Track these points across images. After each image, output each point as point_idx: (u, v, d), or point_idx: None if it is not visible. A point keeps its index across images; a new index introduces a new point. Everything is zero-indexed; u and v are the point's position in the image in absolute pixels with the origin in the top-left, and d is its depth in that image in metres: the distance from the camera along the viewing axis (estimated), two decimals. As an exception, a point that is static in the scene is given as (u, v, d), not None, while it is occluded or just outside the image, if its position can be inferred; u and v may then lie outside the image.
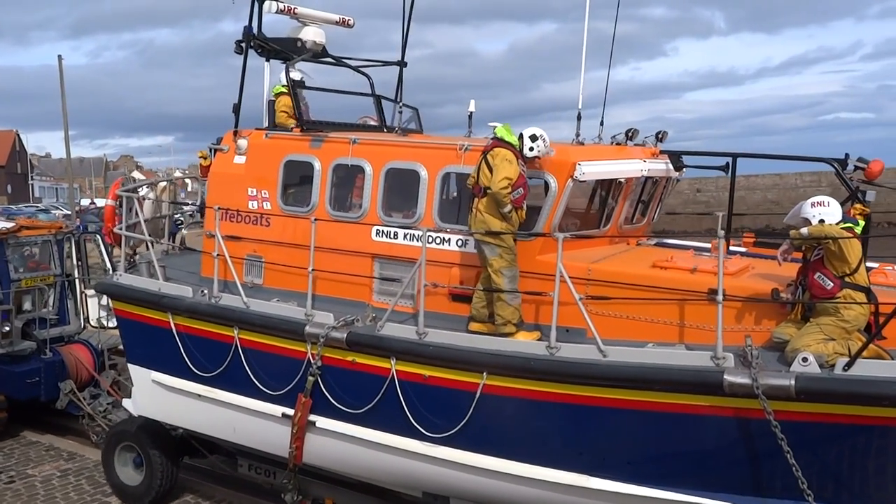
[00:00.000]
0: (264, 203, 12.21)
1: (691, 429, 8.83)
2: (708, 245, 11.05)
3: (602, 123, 11.92)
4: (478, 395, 9.62)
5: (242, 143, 12.46)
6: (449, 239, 10.74)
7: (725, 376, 8.30)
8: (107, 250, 18.80)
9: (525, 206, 9.94)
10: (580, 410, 9.24)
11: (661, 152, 11.23)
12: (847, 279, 8.33)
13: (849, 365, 8.00)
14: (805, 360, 8.15)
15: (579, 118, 10.91)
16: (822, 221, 8.48)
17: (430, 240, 10.64)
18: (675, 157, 11.09)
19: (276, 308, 11.31)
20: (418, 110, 14.19)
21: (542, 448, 9.61)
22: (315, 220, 10.93)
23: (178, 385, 12.36)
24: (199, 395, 12.12)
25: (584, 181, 10.13)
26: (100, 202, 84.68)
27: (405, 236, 11.05)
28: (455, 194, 11.18)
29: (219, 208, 11.88)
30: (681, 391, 8.67)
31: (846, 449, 8.34)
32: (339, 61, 13.69)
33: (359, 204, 11.52)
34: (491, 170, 9.80)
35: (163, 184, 14.66)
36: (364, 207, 11.36)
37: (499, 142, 9.98)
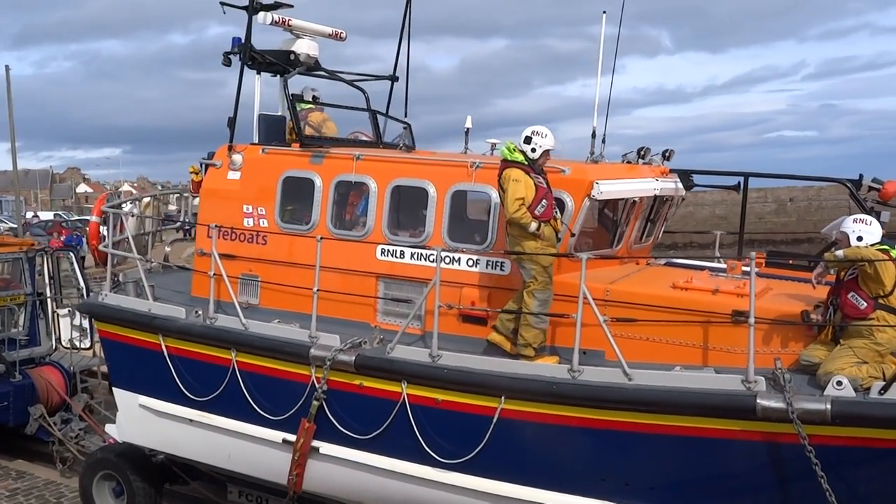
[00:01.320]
0: (261, 220, 11.81)
1: (719, 453, 8.65)
2: (717, 265, 10.93)
3: (604, 141, 11.71)
4: (495, 420, 9.34)
5: (237, 158, 12.06)
6: (459, 259, 10.47)
7: (758, 400, 8.14)
8: (80, 268, 18.10)
9: (558, 216, 9.67)
10: (604, 435, 9.01)
11: (670, 171, 11.13)
12: (881, 301, 8.25)
13: (885, 388, 7.91)
14: (840, 383, 8.03)
15: (594, 136, 10.74)
16: (860, 238, 8.41)
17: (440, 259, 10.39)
18: (685, 176, 10.98)
19: (278, 330, 10.91)
20: (411, 126, 13.94)
21: (561, 474, 9.34)
22: (321, 238, 10.56)
23: (168, 410, 11.85)
24: (191, 420, 11.64)
25: (601, 200, 9.96)
26: (44, 215, 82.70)
27: (413, 255, 10.75)
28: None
29: (216, 226, 11.44)
30: (710, 415, 8.49)
31: (882, 474, 8.22)
32: (332, 75, 13.37)
33: (361, 222, 11.21)
34: (504, 194, 9.58)
35: (147, 199, 14.16)
36: (368, 225, 11.04)
37: (506, 163, 9.73)
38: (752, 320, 8.32)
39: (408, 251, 10.78)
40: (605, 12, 10.76)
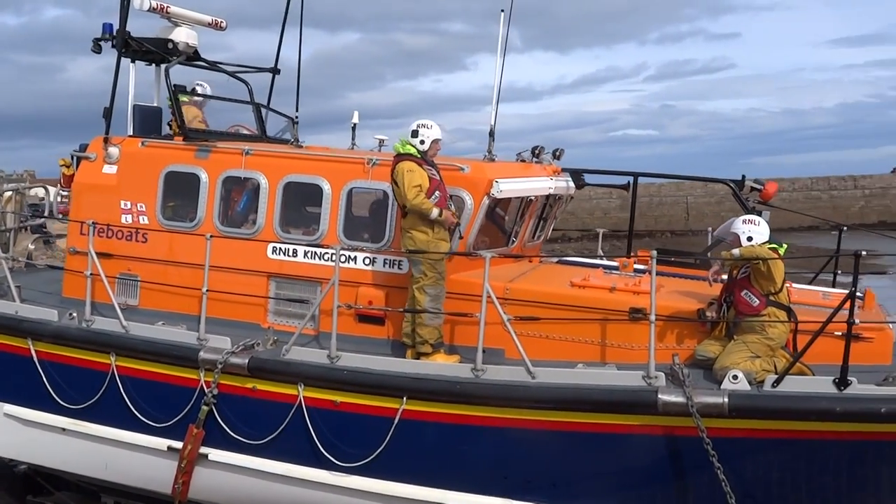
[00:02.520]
0: (140, 217, 11.21)
1: (620, 448, 8.83)
2: (609, 262, 11.16)
3: (493, 135, 11.51)
4: (396, 421, 9.20)
5: (114, 151, 11.40)
6: (356, 257, 10.25)
7: (659, 395, 8.35)
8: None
9: (452, 209, 9.61)
10: (506, 433, 9.03)
11: (562, 170, 11.27)
12: (772, 298, 8.60)
13: (778, 382, 8.26)
14: (735, 377, 8.34)
15: (491, 134, 10.71)
16: (750, 238, 8.72)
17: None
18: (577, 176, 11.15)
19: (163, 332, 10.38)
20: (294, 120, 13.58)
21: (463, 473, 9.29)
22: (210, 236, 10.11)
23: (37, 419, 11.09)
24: (64, 429, 10.93)
25: (500, 198, 9.97)
26: None
27: (306, 254, 10.45)
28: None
29: (93, 223, 10.76)
30: (612, 411, 8.65)
31: (775, 463, 8.59)
32: (213, 65, 12.84)
33: (251, 219, 10.81)
34: (399, 186, 9.47)
35: (8, 193, 13.19)
36: (259, 223, 10.65)
37: (399, 156, 9.64)
38: (653, 317, 8.54)
39: (301, 250, 10.47)
40: (502, 10, 10.76)
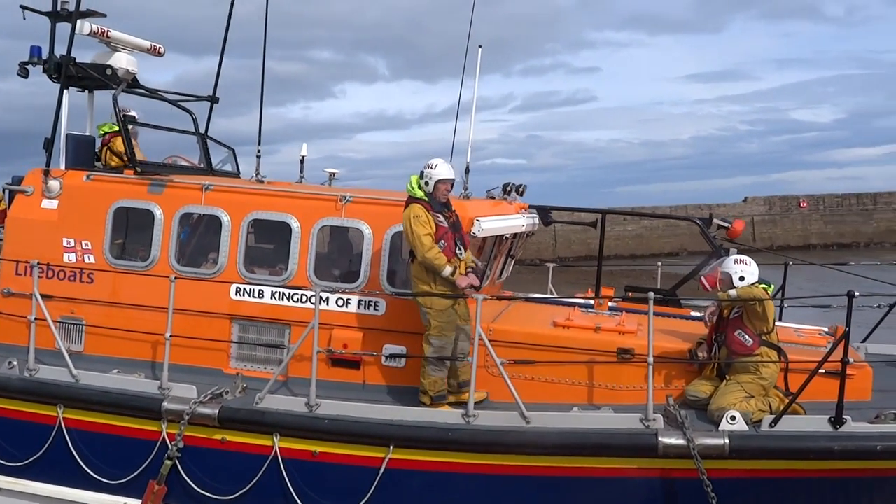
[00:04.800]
0: (85, 256, 10.44)
1: (616, 492, 8.68)
2: (580, 300, 11.09)
3: (468, 172, 11.21)
4: (382, 471, 8.79)
5: (54, 184, 10.58)
6: (328, 298, 9.79)
7: (660, 438, 8.26)
8: None
9: (462, 256, 9.14)
10: (499, 481, 8.76)
11: (530, 206, 11.16)
12: (764, 337, 8.67)
13: (775, 422, 8.31)
14: (733, 418, 8.34)
15: (467, 171, 10.48)
16: (742, 278, 8.76)
17: (305, 299, 9.75)
18: (545, 213, 11.04)
19: (118, 381, 9.64)
20: (235, 150, 13.03)
21: None
22: (175, 278, 9.46)
23: (-33, 478, 10.10)
24: (0, 489, 9.99)
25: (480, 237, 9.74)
26: None
27: (273, 295, 9.93)
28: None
29: (37, 263, 9.91)
30: (610, 455, 8.50)
31: (771, 502, 8.63)
32: (153, 93, 12.16)
33: (211, 258, 10.21)
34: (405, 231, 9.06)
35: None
36: (220, 262, 10.06)
37: (409, 199, 9.15)
38: (650, 359, 8.45)
39: (268, 290, 9.95)
40: (480, 46, 10.61)
